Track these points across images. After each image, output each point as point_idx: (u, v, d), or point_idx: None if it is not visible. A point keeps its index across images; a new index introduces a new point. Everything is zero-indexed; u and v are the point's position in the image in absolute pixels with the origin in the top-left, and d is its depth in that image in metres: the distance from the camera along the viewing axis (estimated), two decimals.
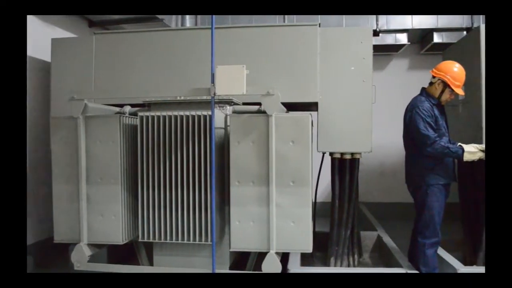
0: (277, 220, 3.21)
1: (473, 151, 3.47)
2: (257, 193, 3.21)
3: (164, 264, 3.50)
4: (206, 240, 3.29)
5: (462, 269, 3.77)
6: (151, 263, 3.64)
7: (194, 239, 3.32)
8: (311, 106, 3.92)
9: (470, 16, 6.18)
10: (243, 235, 3.25)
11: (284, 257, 3.81)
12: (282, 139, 3.18)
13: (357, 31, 3.93)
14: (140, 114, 3.39)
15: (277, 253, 3.26)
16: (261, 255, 3.29)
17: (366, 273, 3.74)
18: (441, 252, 4.11)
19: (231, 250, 3.34)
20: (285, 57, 3.81)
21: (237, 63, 3.06)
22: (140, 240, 3.42)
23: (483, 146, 3.50)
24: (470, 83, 3.97)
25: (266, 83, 3.55)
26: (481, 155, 3.47)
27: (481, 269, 3.83)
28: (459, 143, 3.58)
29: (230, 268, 3.54)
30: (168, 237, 3.35)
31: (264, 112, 3.19)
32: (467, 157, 3.46)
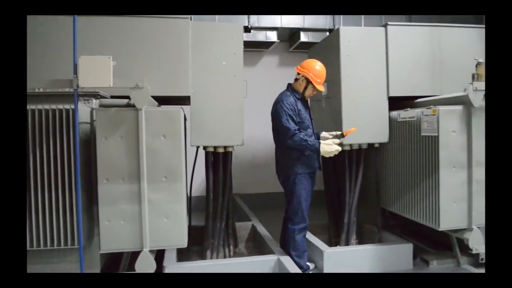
0: (150, 217, 3.11)
1: (329, 143, 3.74)
2: (128, 190, 3.08)
3: None
4: (73, 244, 3.06)
5: (327, 250, 4.11)
6: None
7: (59, 244, 3.06)
8: (185, 100, 3.88)
9: (332, 17, 6.73)
10: (114, 235, 3.09)
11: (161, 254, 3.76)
12: (153, 133, 3.09)
13: (228, 27, 3.98)
14: None
15: (151, 250, 3.18)
16: (136, 254, 3.18)
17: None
18: (309, 236, 4.43)
19: (101, 252, 3.16)
20: (156, 50, 3.69)
21: (105, 54, 2.88)
22: None
23: (336, 141, 3.81)
24: (331, 80, 4.32)
25: (135, 75, 3.42)
26: (337, 148, 3.74)
27: (343, 249, 4.24)
28: (322, 132, 3.94)
29: (102, 271, 3.36)
30: (28, 244, 3.03)
31: (134, 105, 3.07)
32: (324, 148, 3.69)
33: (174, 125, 3.14)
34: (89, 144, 3.20)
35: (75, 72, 2.83)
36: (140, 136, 3.05)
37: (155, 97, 3.58)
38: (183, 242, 3.24)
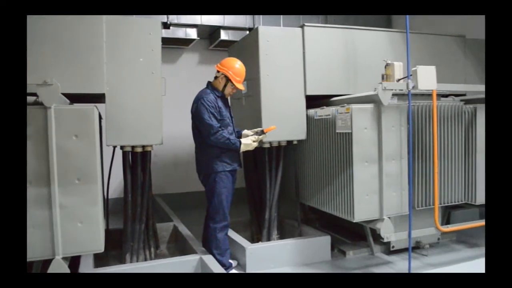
0: (62, 222, 2.94)
1: (248, 143, 3.88)
2: (36, 195, 2.88)
3: None
4: None
5: (249, 246, 4.16)
6: None
7: None
8: (100, 98, 3.70)
9: (252, 17, 6.82)
10: None
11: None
12: (64, 133, 2.92)
13: (145, 22, 3.84)
14: None
15: (65, 257, 3.00)
16: (48, 262, 2.98)
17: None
18: (231, 233, 4.45)
19: None
20: (67, 45, 3.44)
21: None
22: None
23: (256, 137, 3.95)
24: (251, 79, 4.36)
25: (44, 71, 3.20)
26: (255, 144, 3.93)
27: (265, 245, 4.31)
28: (244, 130, 4.03)
29: None
30: None
31: (42, 103, 2.86)
32: (242, 148, 3.85)
33: (87, 124, 3.00)
34: None
35: None
36: (49, 136, 2.87)
37: (67, 95, 3.38)
38: (100, 247, 3.11)
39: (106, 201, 4.14)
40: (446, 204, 4.26)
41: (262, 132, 3.99)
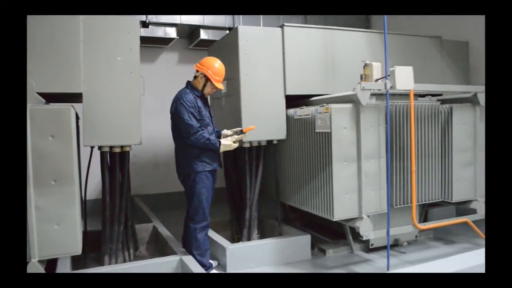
0: (38, 224, 2.89)
1: (227, 143, 3.86)
2: None
3: None
4: None
5: (230, 246, 4.15)
6: None
7: None
8: (77, 97, 3.63)
9: (232, 16, 6.80)
10: None
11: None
12: (40, 133, 2.86)
13: (123, 21, 3.78)
14: None
15: (41, 260, 2.94)
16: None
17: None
18: (212, 233, 4.43)
19: None
20: (43, 44, 3.36)
21: None
22: None
23: (235, 138, 3.94)
24: (231, 78, 4.35)
25: None
26: (236, 145, 3.92)
27: (245, 244, 4.30)
28: (224, 130, 4.00)
29: None
30: None
31: None
32: (222, 149, 3.85)
33: (63, 124, 2.94)
34: None
35: None
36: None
37: (43, 94, 3.31)
38: (77, 249, 3.06)
39: (83, 202, 4.07)
40: (423, 202, 4.34)
41: (242, 132, 4.00)
